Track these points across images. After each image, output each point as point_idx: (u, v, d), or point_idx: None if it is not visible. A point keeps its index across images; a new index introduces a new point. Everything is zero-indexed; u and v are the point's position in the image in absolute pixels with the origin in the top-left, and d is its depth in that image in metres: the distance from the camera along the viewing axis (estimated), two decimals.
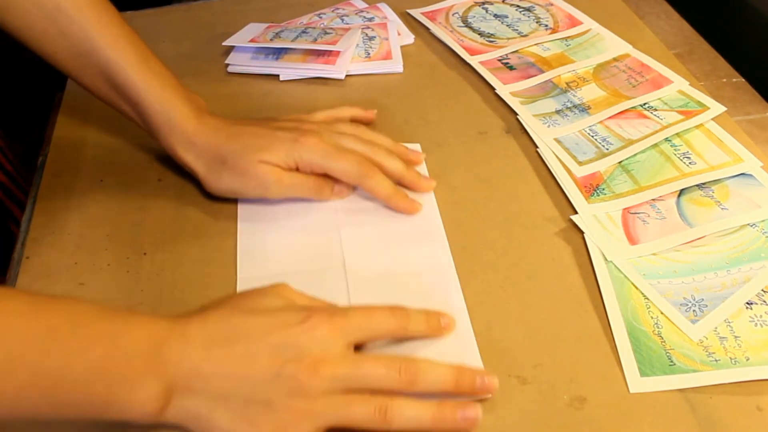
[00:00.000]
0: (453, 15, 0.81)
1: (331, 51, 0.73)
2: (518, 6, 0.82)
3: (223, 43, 0.75)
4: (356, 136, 0.59)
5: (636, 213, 0.57)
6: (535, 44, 0.75)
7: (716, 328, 0.48)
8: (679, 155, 0.61)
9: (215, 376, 0.41)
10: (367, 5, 0.83)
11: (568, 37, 0.76)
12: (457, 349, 0.48)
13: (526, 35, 0.77)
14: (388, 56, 0.74)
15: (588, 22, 0.78)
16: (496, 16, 0.80)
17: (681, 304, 0.50)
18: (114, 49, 0.56)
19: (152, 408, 0.40)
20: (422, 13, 0.81)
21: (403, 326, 0.46)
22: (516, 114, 0.67)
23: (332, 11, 0.82)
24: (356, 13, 0.81)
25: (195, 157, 0.58)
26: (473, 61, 0.73)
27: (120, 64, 0.56)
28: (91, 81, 0.58)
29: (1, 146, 0.76)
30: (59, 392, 0.38)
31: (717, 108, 0.65)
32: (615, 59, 0.72)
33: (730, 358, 0.46)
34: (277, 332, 0.42)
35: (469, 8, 0.82)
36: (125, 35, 0.57)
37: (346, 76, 0.72)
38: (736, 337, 0.48)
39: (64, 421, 0.41)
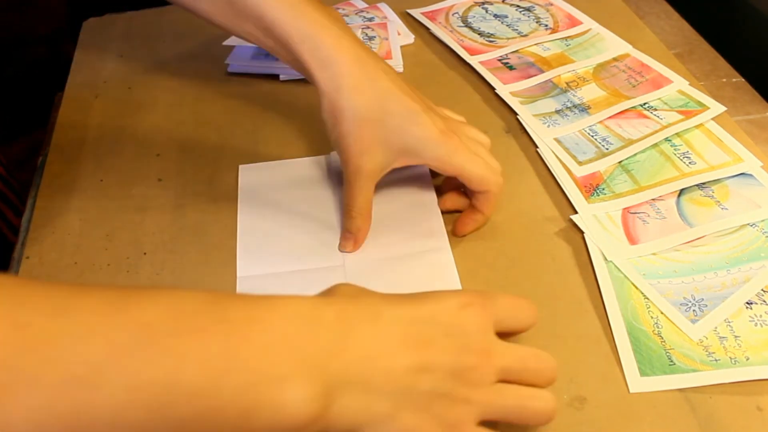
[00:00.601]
0: (453, 15, 0.81)
1: None
2: (518, 6, 0.82)
3: (224, 43, 0.75)
4: (480, 143, 0.56)
5: (636, 213, 0.57)
6: (535, 44, 0.75)
7: (716, 327, 0.48)
8: (679, 155, 0.61)
9: (394, 371, 0.36)
10: (367, 5, 0.83)
11: (568, 37, 0.76)
12: None
13: (526, 35, 0.77)
14: (388, 56, 0.74)
15: (588, 22, 0.78)
16: (496, 16, 0.80)
17: (681, 304, 0.50)
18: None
19: (308, 412, 0.33)
20: (422, 13, 0.81)
21: (532, 324, 0.43)
22: (516, 114, 0.67)
23: None
24: (356, 13, 0.81)
25: (362, 101, 0.51)
26: (473, 61, 0.73)
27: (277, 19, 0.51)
28: (246, 32, 0.54)
29: None
30: (171, 406, 0.31)
31: (717, 108, 0.65)
32: (615, 59, 0.72)
33: (730, 358, 0.46)
34: (446, 314, 0.39)
35: (469, 8, 0.82)
36: None
37: None
38: (736, 336, 0.48)
39: None
